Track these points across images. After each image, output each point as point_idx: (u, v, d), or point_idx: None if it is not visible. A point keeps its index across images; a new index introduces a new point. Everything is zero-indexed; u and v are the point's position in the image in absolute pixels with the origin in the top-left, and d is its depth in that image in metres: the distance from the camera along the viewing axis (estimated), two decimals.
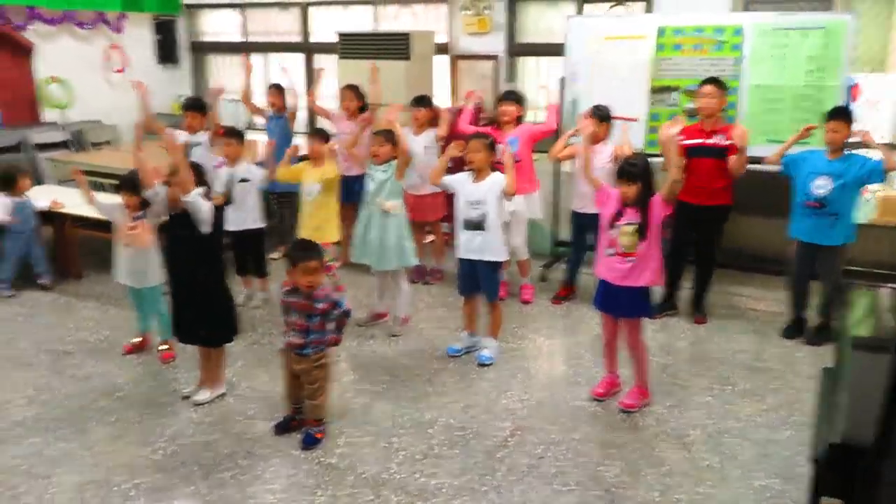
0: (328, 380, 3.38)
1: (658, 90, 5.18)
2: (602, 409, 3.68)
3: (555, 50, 5.86)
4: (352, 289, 5.13)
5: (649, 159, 3.59)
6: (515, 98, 5.05)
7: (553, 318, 4.92)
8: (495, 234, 4.05)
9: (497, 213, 4.02)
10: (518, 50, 6.72)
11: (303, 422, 3.43)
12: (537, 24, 6.66)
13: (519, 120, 5.05)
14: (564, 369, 4.17)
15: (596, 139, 4.53)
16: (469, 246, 4.10)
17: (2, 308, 4.96)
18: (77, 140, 7.85)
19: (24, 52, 7.47)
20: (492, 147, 4.06)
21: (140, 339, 4.32)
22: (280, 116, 5.90)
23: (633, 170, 3.42)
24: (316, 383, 3.31)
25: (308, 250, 3.28)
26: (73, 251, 5.56)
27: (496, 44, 6.69)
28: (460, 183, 4.12)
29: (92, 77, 8.07)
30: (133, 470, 3.13)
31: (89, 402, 3.72)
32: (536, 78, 6.81)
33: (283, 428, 3.43)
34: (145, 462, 3.19)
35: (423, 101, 5.34)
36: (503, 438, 3.41)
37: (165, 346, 4.21)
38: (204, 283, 3.56)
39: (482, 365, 4.14)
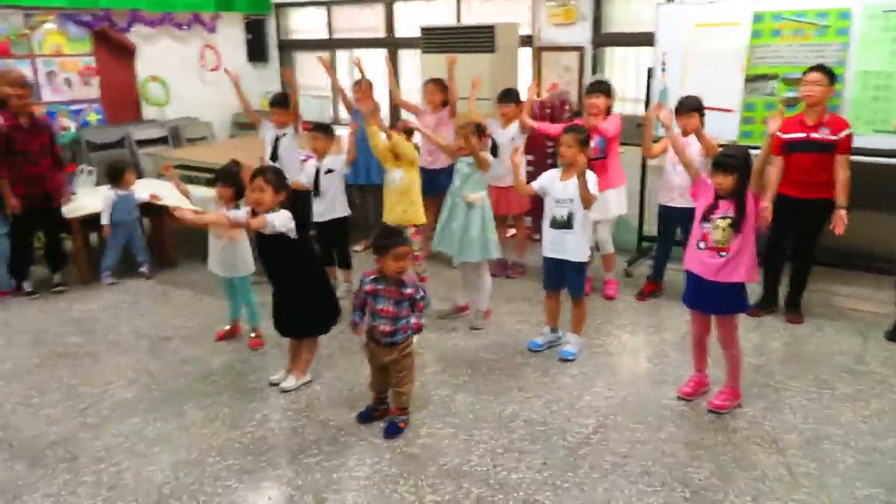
0: (414, 368, 3.41)
1: (753, 79, 4.96)
2: (690, 410, 3.56)
3: (643, 39, 5.71)
4: (434, 281, 5.15)
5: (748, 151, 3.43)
6: (603, 89, 4.90)
7: (638, 315, 4.80)
8: (582, 233, 3.96)
9: (584, 212, 3.94)
10: (604, 40, 6.57)
11: (386, 411, 3.48)
12: (625, 13, 6.49)
13: (608, 112, 4.91)
14: (649, 367, 4.06)
15: (686, 131, 4.38)
16: (555, 245, 4.03)
17: (106, 295, 5.25)
18: (174, 136, 8.23)
19: (127, 53, 7.89)
20: (585, 142, 3.94)
21: (231, 326, 4.49)
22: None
23: (731, 161, 3.27)
24: (403, 371, 3.35)
25: (397, 236, 3.32)
26: (169, 242, 5.83)
27: (581, 34, 6.57)
28: (549, 181, 4.04)
29: (188, 76, 8.44)
30: (224, 452, 3.25)
31: (185, 385, 3.89)
32: (623, 69, 6.65)
33: (366, 417, 3.48)
34: (236, 445, 3.30)
35: (509, 95, 5.24)
36: (586, 435, 3.35)
37: (254, 334, 4.35)
38: (297, 278, 3.65)
39: (564, 360, 4.09)
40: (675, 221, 4.77)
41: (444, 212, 4.57)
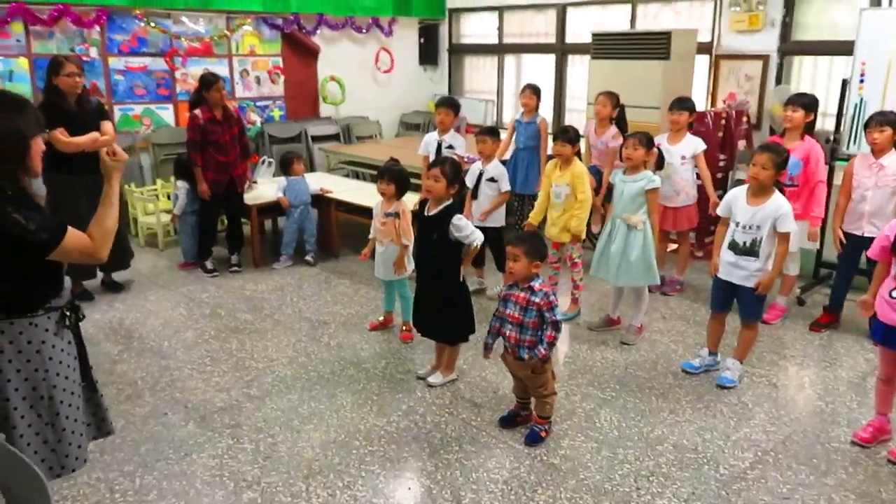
0: (552, 381, 3.34)
1: None
2: (865, 457, 3.21)
3: (839, 48, 5.24)
4: (586, 291, 5.04)
5: None
6: (803, 103, 4.45)
7: (809, 347, 4.40)
8: (766, 262, 3.66)
9: (772, 241, 3.62)
10: (793, 48, 6.11)
11: (528, 417, 3.44)
12: (819, 19, 6.00)
13: (808, 129, 4.48)
14: (820, 405, 3.70)
15: (877, 147, 3.96)
16: (731, 269, 3.74)
17: (275, 278, 5.64)
18: (345, 133, 8.69)
19: (312, 54, 8.43)
20: (783, 165, 3.61)
21: (384, 317, 4.65)
22: (531, 122, 5.73)
23: None
24: (540, 386, 3.29)
25: (518, 238, 3.27)
26: (334, 233, 6.15)
27: (768, 42, 6.15)
28: (734, 200, 3.74)
29: (362, 76, 8.89)
30: (370, 437, 3.36)
31: (339, 369, 4.07)
32: (812, 79, 6.15)
33: (508, 421, 3.46)
34: (381, 432, 3.41)
35: (683, 103, 4.99)
36: (742, 470, 3.11)
37: (405, 328, 4.47)
38: (449, 283, 3.71)
39: (722, 387, 3.83)
40: (860, 251, 4.32)
41: (602, 236, 4.42)
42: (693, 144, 4.95)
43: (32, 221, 2.05)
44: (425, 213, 3.73)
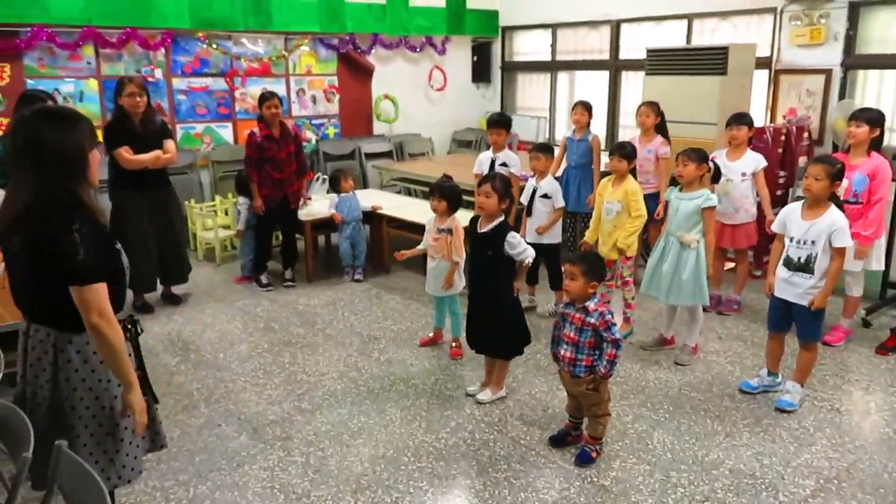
0: (606, 401, 3.28)
1: None
2: None
3: None
4: (639, 310, 4.95)
5: None
6: (868, 118, 4.28)
7: (876, 371, 4.22)
8: (820, 280, 3.54)
9: (827, 257, 3.51)
10: (857, 62, 5.93)
11: (578, 437, 3.39)
12: (885, 32, 5.80)
13: (875, 145, 4.31)
14: (888, 432, 3.54)
15: None
16: (787, 286, 3.65)
17: (327, 293, 5.71)
18: (398, 150, 8.79)
19: (366, 73, 8.58)
20: (837, 176, 3.50)
21: (434, 333, 4.65)
22: (583, 139, 5.68)
23: None
24: (594, 405, 3.24)
25: (577, 257, 3.25)
26: (385, 248, 6.20)
27: (830, 56, 5.98)
28: (788, 216, 3.66)
29: (415, 94, 8.99)
30: (419, 453, 3.36)
31: (388, 384, 4.09)
32: (878, 94, 5.95)
33: (558, 441, 3.42)
34: (430, 448, 3.41)
35: (741, 118, 4.86)
36: (802, 497, 2.99)
37: (455, 344, 4.47)
38: (501, 299, 3.70)
39: (781, 411, 3.70)
40: None
41: (654, 253, 4.34)
42: (754, 161, 4.83)
43: (84, 251, 2.06)
44: (478, 230, 3.73)
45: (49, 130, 2.11)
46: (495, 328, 3.76)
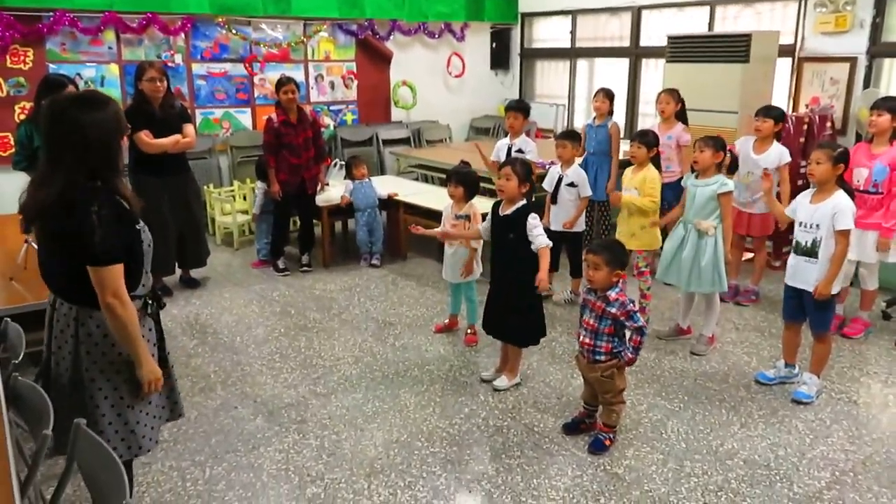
0: (622, 389, 3.28)
1: None
2: None
3: None
4: (655, 300, 4.93)
5: None
6: (889, 106, 4.21)
7: (895, 364, 4.17)
8: (828, 265, 3.51)
9: (831, 242, 3.49)
10: (884, 50, 5.81)
11: (592, 425, 3.39)
12: None
13: None
14: None
15: None
16: (795, 273, 3.64)
17: (343, 278, 5.74)
18: (415, 137, 8.78)
19: (385, 59, 8.56)
20: (841, 159, 3.48)
21: (449, 320, 4.66)
22: (602, 125, 5.62)
23: None
24: (609, 392, 3.24)
25: (599, 246, 3.22)
26: (402, 235, 6.21)
27: (856, 44, 5.87)
28: (799, 201, 3.66)
29: (434, 81, 8.95)
30: (433, 438, 3.38)
31: (403, 370, 4.11)
32: None
33: (572, 428, 3.42)
34: (443, 434, 3.42)
35: (769, 111, 4.76)
36: (818, 489, 2.97)
37: (470, 331, 4.48)
38: (522, 283, 3.68)
39: (798, 402, 3.68)
40: None
41: (671, 240, 4.31)
42: (778, 156, 4.73)
43: (102, 233, 2.10)
44: (500, 214, 3.72)
45: (88, 116, 2.14)
46: (515, 315, 3.75)
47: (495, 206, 3.78)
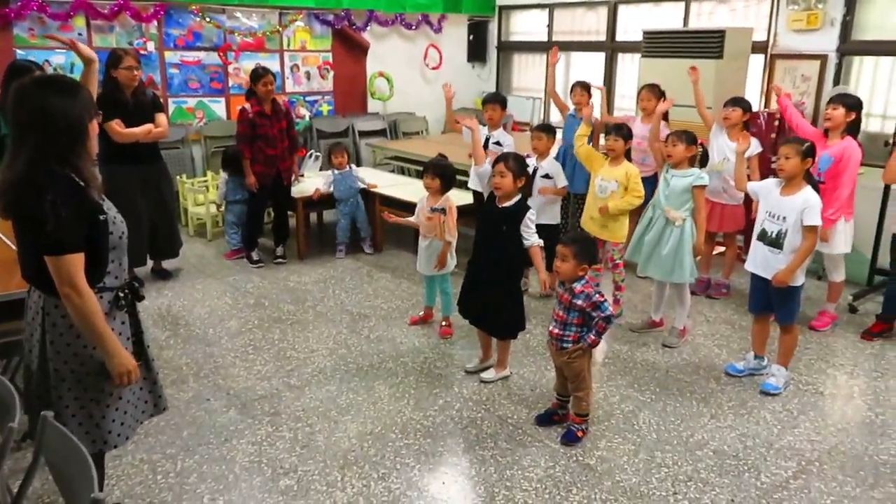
0: (588, 374, 3.30)
1: None
2: None
3: None
4: (629, 292, 4.98)
5: None
6: (845, 102, 4.35)
7: (860, 356, 4.26)
8: (790, 257, 3.58)
9: (797, 235, 3.55)
10: (853, 48, 5.91)
11: (565, 417, 3.42)
12: (883, 19, 5.78)
13: (851, 130, 4.37)
14: (869, 416, 3.58)
15: None
16: (760, 261, 3.71)
17: (318, 270, 5.72)
18: (392, 129, 8.74)
19: (361, 50, 8.51)
20: (808, 154, 3.56)
21: (424, 312, 4.67)
22: (579, 120, 5.73)
23: None
24: (577, 377, 3.27)
25: (569, 238, 3.26)
26: (378, 227, 6.19)
27: (826, 41, 5.97)
28: (766, 189, 3.73)
29: (411, 73, 8.92)
30: (406, 430, 3.39)
31: (378, 362, 4.11)
32: (873, 81, 5.95)
33: (545, 420, 3.45)
34: (417, 426, 3.43)
35: (737, 101, 4.88)
36: (784, 479, 3.04)
37: (445, 323, 4.49)
38: (509, 275, 3.70)
39: (766, 393, 3.74)
40: None
41: (642, 221, 4.38)
42: (751, 146, 4.82)
43: (55, 222, 2.05)
44: (497, 205, 3.69)
45: (53, 99, 2.10)
46: (500, 308, 3.74)
47: (490, 199, 3.77)
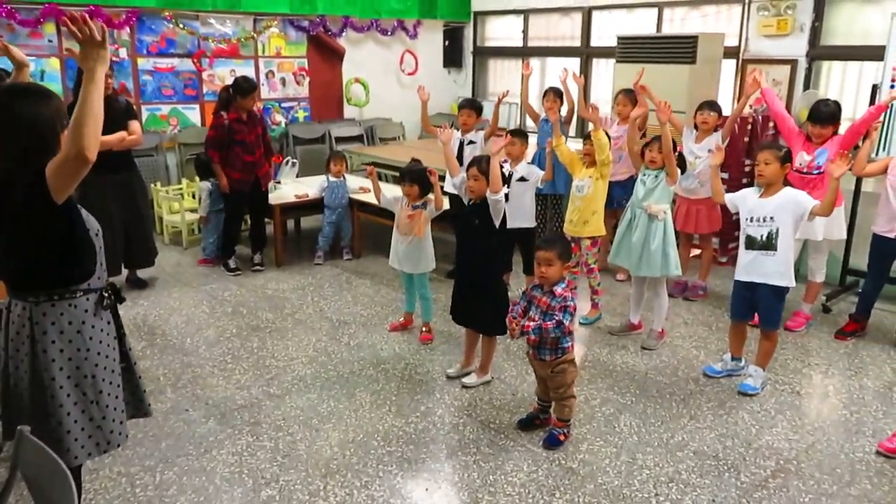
0: (572, 384, 3.32)
1: None
2: (891, 468, 3.15)
3: (869, 53, 5.17)
4: (607, 296, 5.02)
5: None
6: (832, 118, 4.47)
7: (834, 355, 4.33)
8: (786, 255, 3.63)
9: (791, 232, 3.61)
10: (822, 53, 6.03)
11: (547, 421, 3.43)
12: (850, 24, 5.91)
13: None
14: (844, 414, 3.64)
15: None
16: (751, 267, 3.73)
17: (296, 278, 5.68)
18: (369, 135, 8.73)
19: (337, 56, 8.48)
20: (787, 157, 3.63)
21: (404, 318, 4.65)
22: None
23: None
24: (560, 388, 3.28)
25: (548, 242, 3.25)
26: (356, 233, 6.17)
27: (796, 46, 6.09)
28: (742, 199, 3.78)
29: (386, 79, 8.92)
30: (389, 437, 3.37)
31: (358, 369, 4.09)
32: (841, 85, 6.07)
33: (527, 424, 3.45)
34: (399, 433, 3.41)
35: (713, 105, 5.01)
36: (763, 478, 3.07)
37: (425, 329, 4.48)
38: (490, 271, 3.73)
39: (744, 394, 3.79)
40: (891, 256, 4.26)
41: (622, 224, 4.41)
42: (715, 137, 4.93)
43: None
44: (466, 205, 3.76)
45: (22, 106, 2.09)
46: (482, 301, 3.75)
47: (459, 203, 3.81)
